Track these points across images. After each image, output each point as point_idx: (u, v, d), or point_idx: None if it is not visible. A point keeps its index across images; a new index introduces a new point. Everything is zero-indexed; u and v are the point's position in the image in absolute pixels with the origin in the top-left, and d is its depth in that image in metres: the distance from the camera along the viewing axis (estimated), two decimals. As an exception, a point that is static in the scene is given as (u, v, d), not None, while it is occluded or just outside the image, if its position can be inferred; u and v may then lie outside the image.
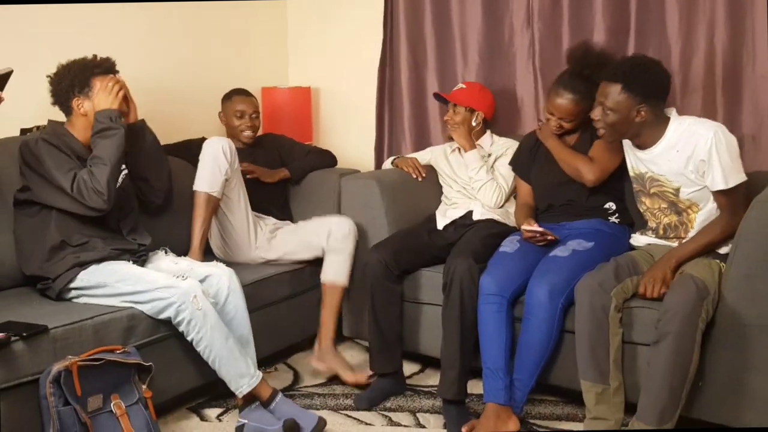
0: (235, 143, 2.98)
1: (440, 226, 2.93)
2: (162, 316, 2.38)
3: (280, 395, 2.46)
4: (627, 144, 2.55)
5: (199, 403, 2.67)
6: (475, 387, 2.60)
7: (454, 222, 2.92)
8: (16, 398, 2.07)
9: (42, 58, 2.66)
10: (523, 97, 3.33)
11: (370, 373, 2.79)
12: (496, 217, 2.91)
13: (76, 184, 2.41)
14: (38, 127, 2.76)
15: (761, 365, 2.17)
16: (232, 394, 2.44)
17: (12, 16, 2.84)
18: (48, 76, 2.56)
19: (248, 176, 3.11)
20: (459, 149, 3.11)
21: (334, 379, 2.86)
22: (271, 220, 3.18)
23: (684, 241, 2.43)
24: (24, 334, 2.08)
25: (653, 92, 2.37)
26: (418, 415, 2.61)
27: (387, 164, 3.37)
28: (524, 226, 2.66)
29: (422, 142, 3.58)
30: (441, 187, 3.22)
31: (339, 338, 3.01)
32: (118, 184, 2.53)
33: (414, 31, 3.54)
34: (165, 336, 2.43)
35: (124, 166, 2.60)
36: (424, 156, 3.30)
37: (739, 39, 2.78)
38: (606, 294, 2.27)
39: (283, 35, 4.06)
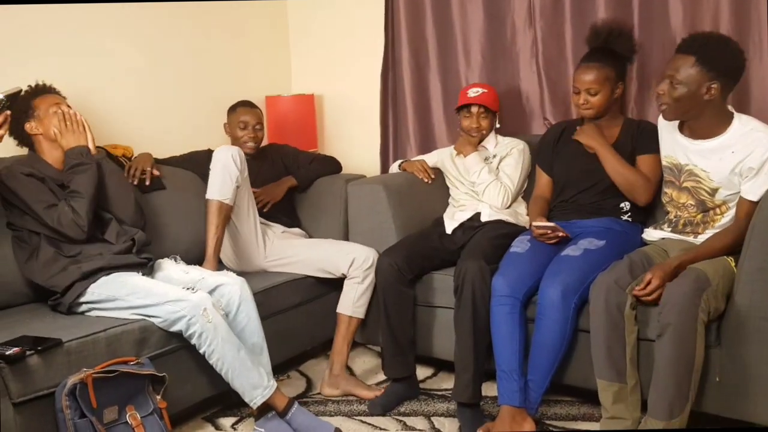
0: (240, 154, 2.99)
1: (449, 230, 2.91)
2: (173, 329, 2.38)
3: (295, 405, 2.45)
4: (669, 128, 2.48)
5: (213, 412, 2.67)
6: (489, 389, 2.60)
7: (462, 225, 2.91)
8: (33, 411, 2.08)
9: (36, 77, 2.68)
10: (528, 96, 3.32)
11: (384, 387, 2.78)
12: (504, 217, 2.89)
13: (57, 217, 2.47)
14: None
15: (777, 358, 2.15)
16: (246, 404, 2.44)
17: None
18: None
19: (265, 210, 3.12)
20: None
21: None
22: (279, 228, 3.17)
23: (697, 238, 2.42)
24: (39, 348, 2.09)
25: (727, 70, 2.30)
26: (432, 419, 2.60)
27: (394, 168, 3.36)
28: (535, 222, 2.64)
29: (427, 144, 3.58)
30: (447, 189, 3.20)
31: (351, 344, 2.97)
32: None
33: (415, 34, 3.54)
34: (178, 347, 2.43)
35: None
36: (431, 158, 3.28)
37: (745, 31, 2.76)
38: (621, 291, 2.25)
39: (284, 43, 4.06)
